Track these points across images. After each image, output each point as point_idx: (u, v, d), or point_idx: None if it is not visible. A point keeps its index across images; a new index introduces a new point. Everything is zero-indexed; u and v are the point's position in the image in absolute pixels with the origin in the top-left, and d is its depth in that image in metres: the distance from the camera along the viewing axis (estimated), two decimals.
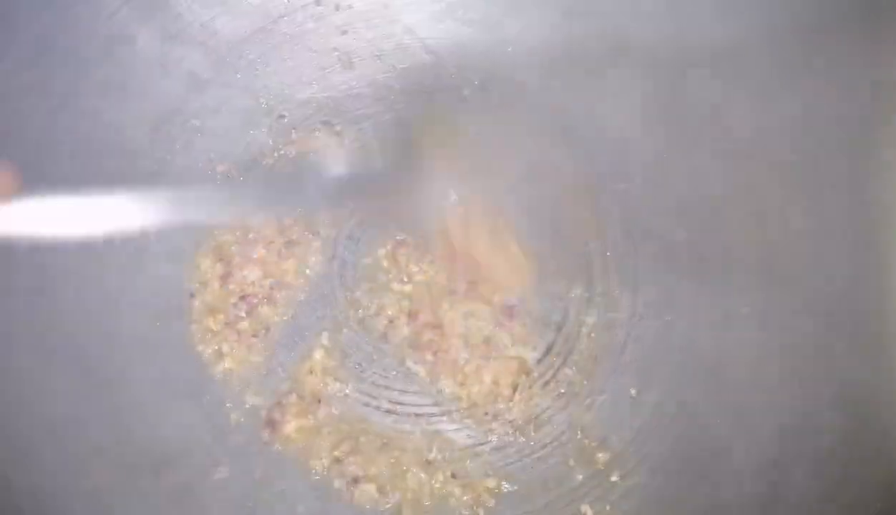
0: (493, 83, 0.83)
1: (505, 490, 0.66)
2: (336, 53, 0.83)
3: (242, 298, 0.72)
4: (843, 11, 0.72)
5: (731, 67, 0.77)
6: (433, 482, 0.66)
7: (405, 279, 0.74)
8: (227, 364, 0.70)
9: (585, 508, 0.65)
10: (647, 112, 0.80)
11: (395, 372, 0.71)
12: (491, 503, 0.66)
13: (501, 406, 0.69)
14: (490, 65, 0.83)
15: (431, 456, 0.67)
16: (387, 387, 0.70)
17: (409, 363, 0.71)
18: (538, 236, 0.76)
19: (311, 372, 0.70)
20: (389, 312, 0.73)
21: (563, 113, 0.82)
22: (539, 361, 0.72)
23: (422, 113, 0.82)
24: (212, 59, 0.80)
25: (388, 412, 0.69)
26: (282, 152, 0.79)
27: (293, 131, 0.80)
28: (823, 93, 0.73)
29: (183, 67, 0.79)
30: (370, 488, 0.65)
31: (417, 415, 0.69)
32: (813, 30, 0.73)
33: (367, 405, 0.69)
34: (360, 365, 0.71)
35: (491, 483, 0.66)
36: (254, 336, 0.71)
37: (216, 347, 0.71)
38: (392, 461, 0.67)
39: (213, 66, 0.80)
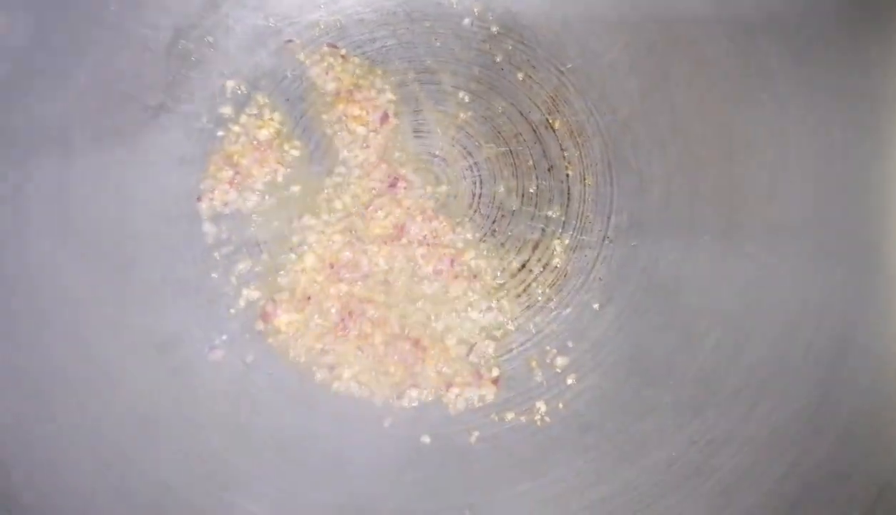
0: (492, 12, 0.87)
1: None
2: None
3: (245, 202, 0.79)
4: None
5: (716, 8, 0.80)
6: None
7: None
8: (228, 263, 0.77)
9: (540, 404, 0.72)
10: (636, 48, 0.84)
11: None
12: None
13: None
14: None
15: None
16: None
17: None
18: (522, 160, 0.82)
19: (303, 272, 0.76)
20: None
21: (557, 45, 0.86)
22: (513, 276, 0.78)
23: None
24: None
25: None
26: (288, 71, 0.85)
27: (301, 52, 0.85)
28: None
29: None
30: (347, 375, 0.72)
31: None
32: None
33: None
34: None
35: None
36: (254, 231, 0.78)
37: (219, 246, 0.77)
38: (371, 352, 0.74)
39: None
